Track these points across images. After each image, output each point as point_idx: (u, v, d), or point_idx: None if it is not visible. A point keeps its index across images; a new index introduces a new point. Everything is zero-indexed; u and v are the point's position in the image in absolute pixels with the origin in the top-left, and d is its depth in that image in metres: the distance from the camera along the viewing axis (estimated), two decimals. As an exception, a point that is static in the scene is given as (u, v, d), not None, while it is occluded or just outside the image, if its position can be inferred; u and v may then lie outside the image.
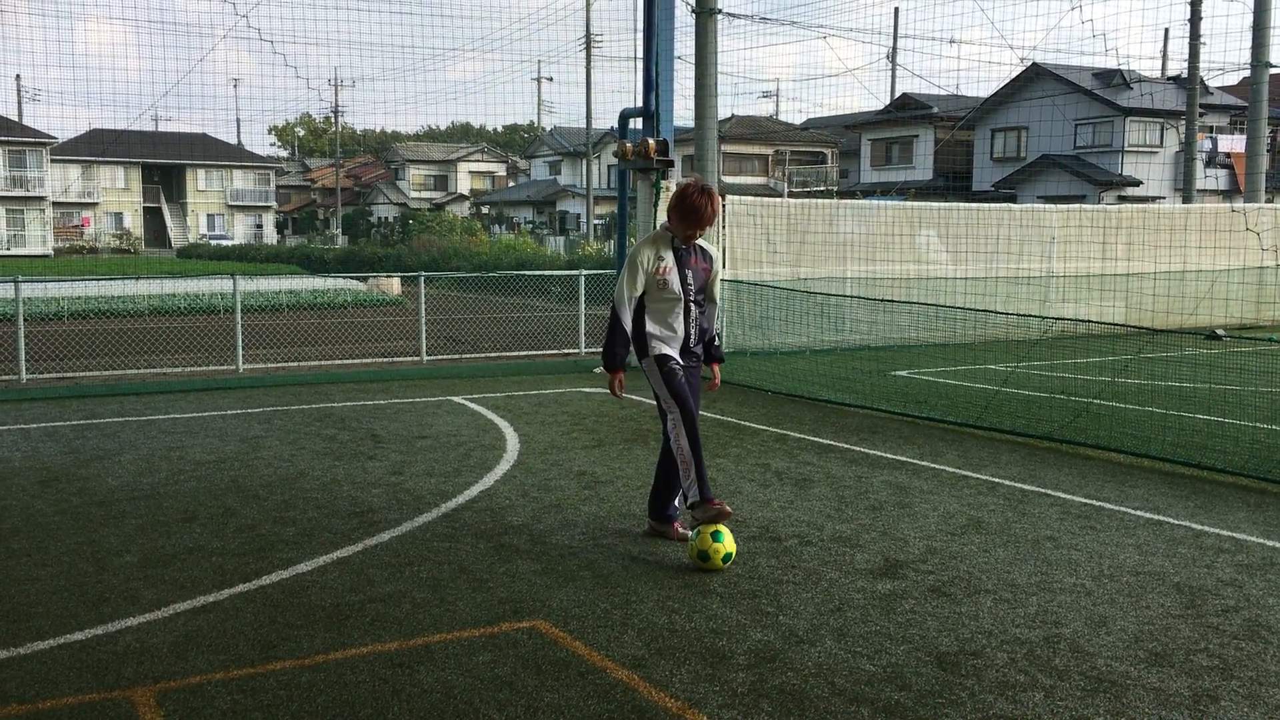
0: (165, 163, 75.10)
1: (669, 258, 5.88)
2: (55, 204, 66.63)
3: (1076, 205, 20.83)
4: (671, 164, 12.97)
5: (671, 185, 13.49)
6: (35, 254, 60.96)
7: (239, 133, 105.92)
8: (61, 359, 14.13)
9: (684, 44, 15.13)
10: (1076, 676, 4.31)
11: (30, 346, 13.44)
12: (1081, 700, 4.10)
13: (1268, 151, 24.77)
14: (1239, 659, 4.50)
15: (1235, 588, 5.38)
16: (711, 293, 6.08)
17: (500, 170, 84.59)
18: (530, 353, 15.27)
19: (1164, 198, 39.85)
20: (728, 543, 5.58)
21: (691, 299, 5.92)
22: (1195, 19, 27.51)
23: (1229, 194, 37.09)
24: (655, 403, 6.08)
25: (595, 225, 53.32)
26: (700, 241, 5.99)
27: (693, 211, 5.79)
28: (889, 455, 8.56)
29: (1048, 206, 19.49)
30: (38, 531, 6.25)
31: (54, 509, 6.76)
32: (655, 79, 13.02)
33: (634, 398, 10.90)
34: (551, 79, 78.89)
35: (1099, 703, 4.08)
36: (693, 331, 5.96)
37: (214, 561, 5.71)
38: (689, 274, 5.90)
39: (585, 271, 16.21)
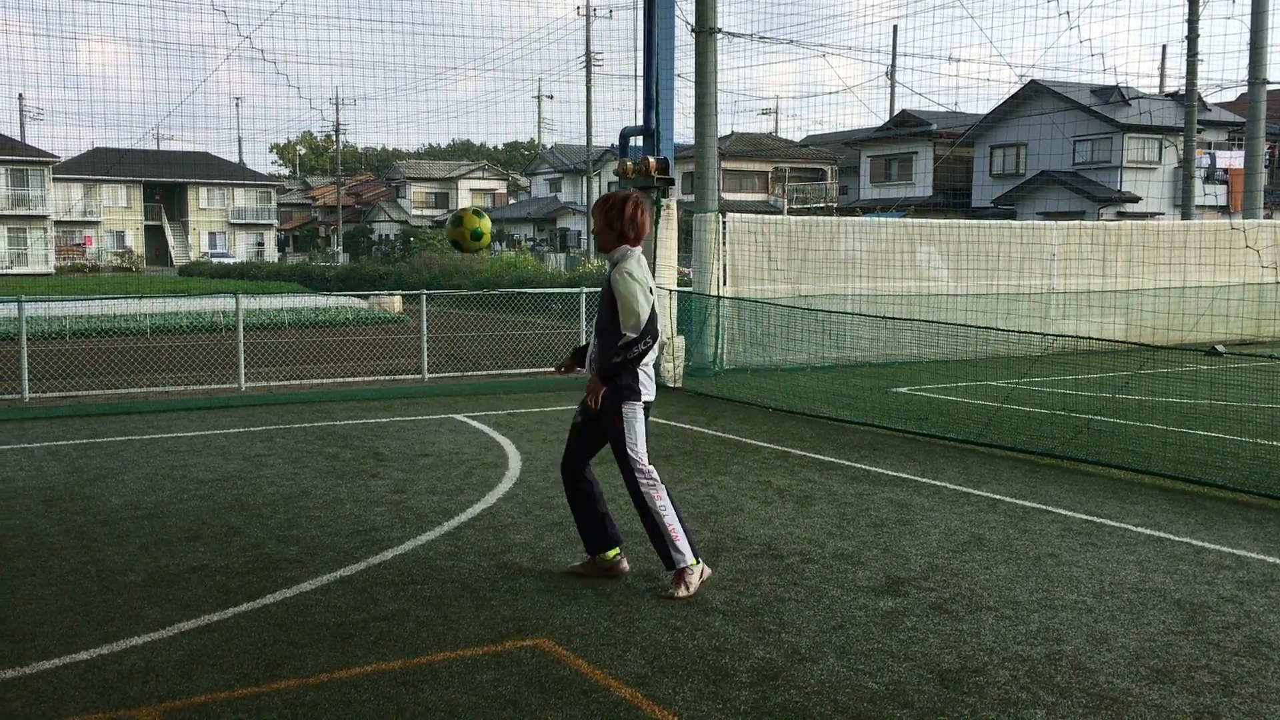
0: (167, 181, 75.30)
1: None
2: (57, 223, 66.80)
3: (1076, 222, 20.89)
4: (672, 182, 13.01)
5: (672, 204, 13.54)
6: (37, 273, 61.04)
7: (240, 151, 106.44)
8: (64, 378, 14.16)
9: (684, 62, 15.19)
10: (1078, 694, 4.33)
11: (33, 365, 13.47)
12: (1083, 718, 4.12)
13: (1265, 168, 24.82)
14: (1240, 676, 4.51)
15: (1236, 604, 5.40)
16: (623, 318, 5.28)
17: (501, 188, 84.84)
18: (532, 370, 15.29)
19: (1163, 214, 39.95)
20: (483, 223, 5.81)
21: (597, 324, 5.54)
22: (1193, 36, 27.64)
23: (1228, 210, 37.16)
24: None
25: (596, 242, 53.36)
26: (618, 257, 5.41)
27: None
28: (890, 472, 8.57)
29: (1047, 223, 19.56)
30: (42, 551, 6.27)
31: (58, 528, 6.78)
32: (655, 97, 13.08)
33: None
34: (552, 97, 79.29)
35: (1101, 720, 4.10)
36: (591, 358, 5.54)
37: (218, 580, 5.73)
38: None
39: (586, 289, 16.25)
